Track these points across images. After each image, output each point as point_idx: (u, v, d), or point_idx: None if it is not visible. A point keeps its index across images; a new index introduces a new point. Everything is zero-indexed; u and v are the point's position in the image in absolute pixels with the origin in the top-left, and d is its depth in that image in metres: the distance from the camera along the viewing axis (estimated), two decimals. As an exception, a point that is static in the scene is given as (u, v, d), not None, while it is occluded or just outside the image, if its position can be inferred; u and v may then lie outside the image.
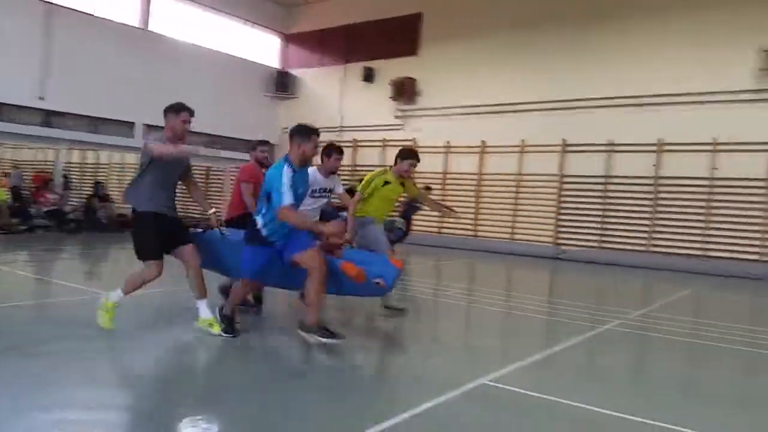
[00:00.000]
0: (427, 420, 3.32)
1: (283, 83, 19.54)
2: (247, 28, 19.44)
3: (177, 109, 4.78)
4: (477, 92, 15.84)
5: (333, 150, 5.65)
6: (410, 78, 16.91)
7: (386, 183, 5.99)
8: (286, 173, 4.40)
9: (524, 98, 15.09)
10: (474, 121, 15.87)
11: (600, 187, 14.20)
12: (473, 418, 3.43)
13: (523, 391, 3.88)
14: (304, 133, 4.58)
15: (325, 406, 3.54)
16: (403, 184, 6.13)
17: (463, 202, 15.58)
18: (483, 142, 15.57)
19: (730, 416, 3.81)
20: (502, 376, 4.16)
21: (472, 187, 15.94)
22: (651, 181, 13.52)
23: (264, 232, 4.55)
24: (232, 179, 20.48)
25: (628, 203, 13.85)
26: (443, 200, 13.93)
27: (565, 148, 14.65)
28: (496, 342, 5.85)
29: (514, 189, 15.36)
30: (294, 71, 19.82)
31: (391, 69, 17.26)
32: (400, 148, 6.60)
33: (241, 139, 18.77)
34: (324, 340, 4.49)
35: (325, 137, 20.17)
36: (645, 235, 13.57)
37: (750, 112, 12.44)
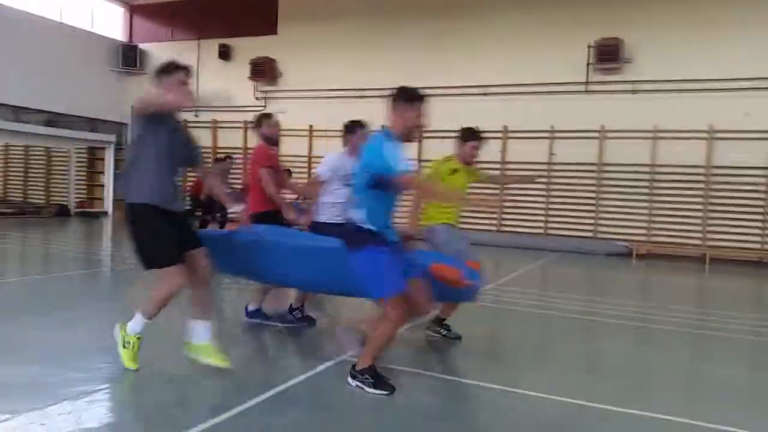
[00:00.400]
0: (305, 390, 3.40)
1: (130, 58, 18.17)
2: (87, -4, 17.81)
3: (168, 71, 3.66)
4: (337, 76, 15.90)
5: (357, 126, 5.08)
6: (270, 58, 16.55)
7: (455, 171, 5.08)
8: (386, 143, 3.63)
9: (382, 84, 15.36)
10: (336, 104, 15.91)
11: (454, 170, 14.99)
12: (340, 393, 3.54)
13: (391, 365, 4.02)
14: (406, 98, 3.82)
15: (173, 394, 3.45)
16: (472, 173, 5.32)
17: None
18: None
19: (579, 380, 4.19)
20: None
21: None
22: (498, 166, 14.56)
23: (370, 226, 3.57)
24: (78, 163, 18.73)
25: (479, 186, 14.77)
26: (300, 185, 13.88)
27: (422, 135, 15.27)
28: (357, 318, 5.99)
29: (374, 172, 15.72)
30: (143, 45, 18.50)
31: (250, 48, 16.77)
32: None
33: (85, 117, 17.25)
34: (377, 391, 3.52)
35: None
36: (495, 215, 14.63)
37: (580, 103, 13.85)
